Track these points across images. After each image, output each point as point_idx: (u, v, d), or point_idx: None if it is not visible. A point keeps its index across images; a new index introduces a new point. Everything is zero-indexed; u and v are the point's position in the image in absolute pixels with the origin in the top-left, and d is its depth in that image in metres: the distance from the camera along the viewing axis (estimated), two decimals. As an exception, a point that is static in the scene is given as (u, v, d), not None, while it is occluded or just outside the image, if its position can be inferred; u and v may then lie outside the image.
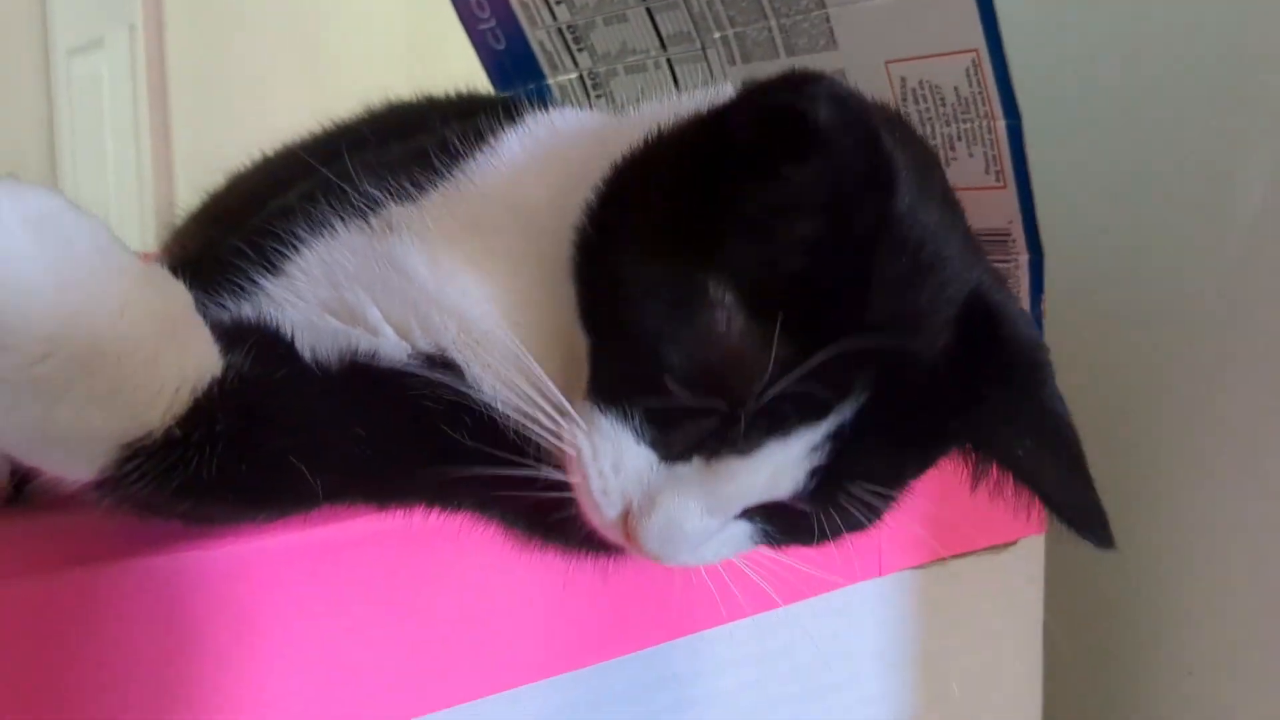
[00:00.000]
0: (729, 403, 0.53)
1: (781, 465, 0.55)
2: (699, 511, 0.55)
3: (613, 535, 0.57)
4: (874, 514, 0.58)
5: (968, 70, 0.81)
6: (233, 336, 0.52)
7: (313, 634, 0.55)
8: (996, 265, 0.82)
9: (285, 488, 0.53)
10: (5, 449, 0.46)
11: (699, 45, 1.00)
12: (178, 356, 0.47)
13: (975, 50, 0.80)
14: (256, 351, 0.52)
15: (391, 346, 0.59)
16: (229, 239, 0.65)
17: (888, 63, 0.86)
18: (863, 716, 0.80)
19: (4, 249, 0.42)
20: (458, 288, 0.60)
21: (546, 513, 0.59)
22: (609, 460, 0.56)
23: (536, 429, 0.57)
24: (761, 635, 0.73)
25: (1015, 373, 0.57)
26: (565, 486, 0.57)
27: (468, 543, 0.60)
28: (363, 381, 0.57)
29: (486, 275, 0.60)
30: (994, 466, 0.60)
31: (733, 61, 0.98)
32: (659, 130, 0.59)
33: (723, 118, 0.55)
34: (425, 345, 0.59)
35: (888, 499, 0.59)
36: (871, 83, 0.87)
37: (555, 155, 0.64)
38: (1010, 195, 0.83)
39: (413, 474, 0.57)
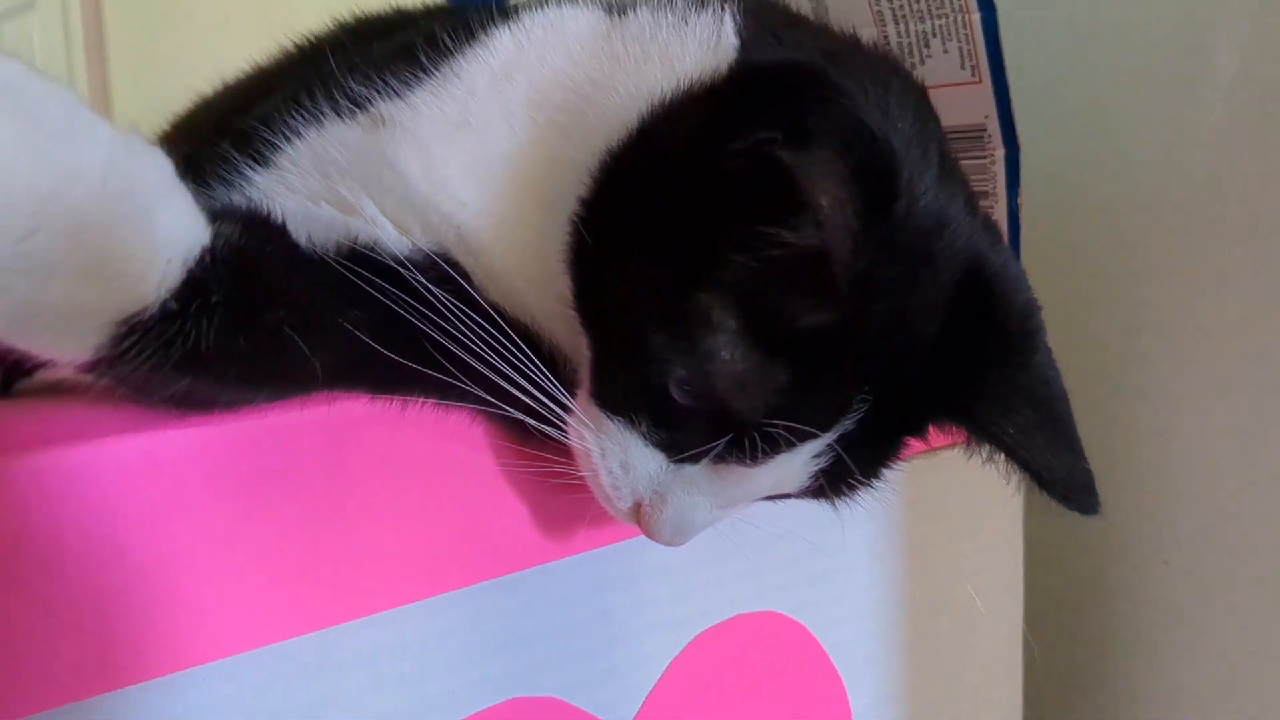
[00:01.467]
0: (735, 422, 0.54)
1: (787, 471, 0.56)
2: (708, 506, 0.58)
3: (624, 521, 0.59)
4: (871, 489, 0.61)
5: (942, -36, 0.81)
6: (220, 213, 0.51)
7: (224, 534, 0.52)
8: (971, 163, 0.83)
9: (284, 364, 0.52)
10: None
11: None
12: (165, 226, 0.46)
13: (949, -58, 0.80)
14: (246, 226, 0.51)
15: (392, 239, 0.58)
16: (212, 143, 0.64)
17: (860, -39, 0.86)
18: (854, 604, 0.81)
19: None
20: (452, 196, 0.59)
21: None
22: (618, 460, 0.57)
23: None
24: (756, 521, 0.73)
25: (1009, 348, 0.58)
26: (560, 405, 0.58)
27: (405, 440, 0.58)
28: (362, 267, 0.56)
29: (481, 185, 0.60)
30: (986, 443, 0.60)
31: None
32: (652, 115, 0.57)
33: (719, 128, 0.52)
34: (426, 244, 0.59)
35: (884, 476, 0.61)
36: (845, -17, 0.87)
37: (550, 56, 0.62)
38: (986, 90, 0.84)
39: (412, 365, 0.56)
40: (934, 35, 0.84)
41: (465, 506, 0.60)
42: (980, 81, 0.84)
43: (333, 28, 0.84)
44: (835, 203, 0.47)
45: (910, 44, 0.86)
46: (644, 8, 0.63)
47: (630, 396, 0.56)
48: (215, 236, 0.48)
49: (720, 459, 0.55)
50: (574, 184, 0.57)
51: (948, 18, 0.83)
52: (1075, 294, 0.94)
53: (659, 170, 0.55)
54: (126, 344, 0.46)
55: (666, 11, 0.62)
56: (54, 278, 0.42)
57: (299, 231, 0.56)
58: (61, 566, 0.47)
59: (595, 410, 0.57)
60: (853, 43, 0.66)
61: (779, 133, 0.48)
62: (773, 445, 0.54)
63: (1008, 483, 0.61)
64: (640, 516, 0.58)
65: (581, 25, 0.63)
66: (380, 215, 0.58)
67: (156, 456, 0.50)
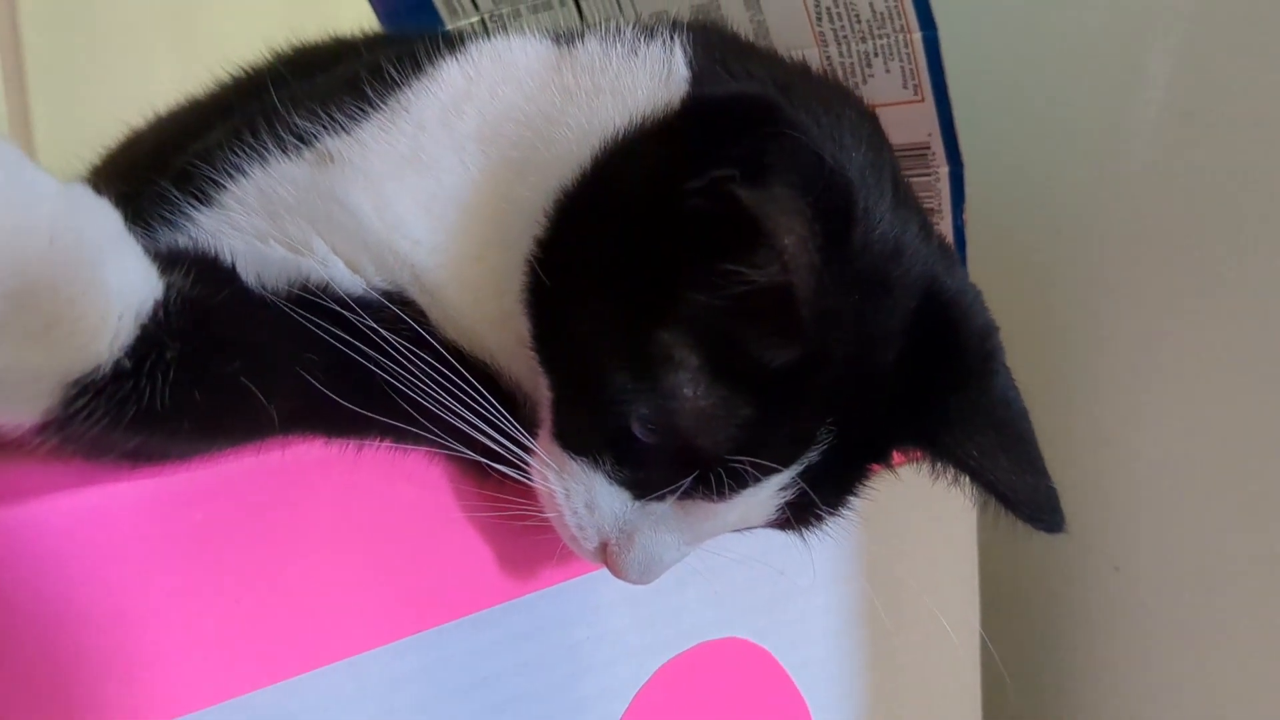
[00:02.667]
0: (700, 458, 0.53)
1: (753, 505, 0.56)
2: (675, 543, 0.57)
3: (590, 561, 0.59)
4: (838, 518, 0.61)
5: (882, -16, 0.82)
6: (168, 260, 0.49)
7: (178, 587, 0.50)
8: (917, 180, 0.84)
9: (240, 413, 0.50)
10: None
11: (606, -22, 0.99)
12: (117, 281, 0.45)
13: (889, -37, 0.80)
14: (196, 273, 0.50)
15: (344, 279, 0.57)
16: (150, 181, 0.62)
17: (801, -17, 0.86)
18: (815, 626, 0.81)
19: None
20: (406, 234, 0.58)
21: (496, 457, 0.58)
22: (582, 500, 0.56)
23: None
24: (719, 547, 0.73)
25: (969, 371, 0.58)
26: (521, 446, 0.57)
27: (348, 485, 0.57)
28: (313, 309, 0.54)
29: (435, 222, 0.59)
30: (950, 466, 0.60)
31: (642, -7, 0.97)
32: (605, 152, 0.56)
33: (674, 165, 0.52)
34: (380, 283, 0.58)
35: (850, 505, 0.61)
36: (784, 3, 0.87)
37: (500, 89, 0.61)
38: (929, 108, 0.84)
39: (369, 406, 0.55)
40: (875, 55, 0.85)
41: (424, 548, 0.59)
42: (923, 100, 0.84)
43: (270, 58, 0.83)
44: (798, 241, 0.46)
45: (852, 64, 0.86)
46: (592, 38, 0.62)
47: (593, 436, 0.55)
48: (167, 288, 0.47)
49: (686, 495, 0.55)
50: (529, 223, 0.56)
51: (889, 38, 0.84)
52: (1021, 306, 0.94)
53: (614, 209, 0.54)
54: (78, 405, 0.44)
55: (616, 42, 0.61)
56: (0, 341, 0.40)
57: (248, 272, 0.54)
58: (13, 628, 0.46)
59: (558, 450, 0.56)
60: (802, 71, 0.66)
61: (735, 170, 0.47)
62: (738, 481, 0.53)
63: (974, 506, 0.61)
64: (607, 556, 0.57)
65: (530, 56, 0.62)
66: (331, 254, 0.57)
67: (105, 511, 0.48)
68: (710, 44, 0.62)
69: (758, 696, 0.77)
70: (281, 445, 0.54)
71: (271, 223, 0.58)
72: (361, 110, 0.60)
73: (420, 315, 0.57)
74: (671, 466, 0.54)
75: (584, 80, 0.60)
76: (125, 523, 0.48)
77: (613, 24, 0.63)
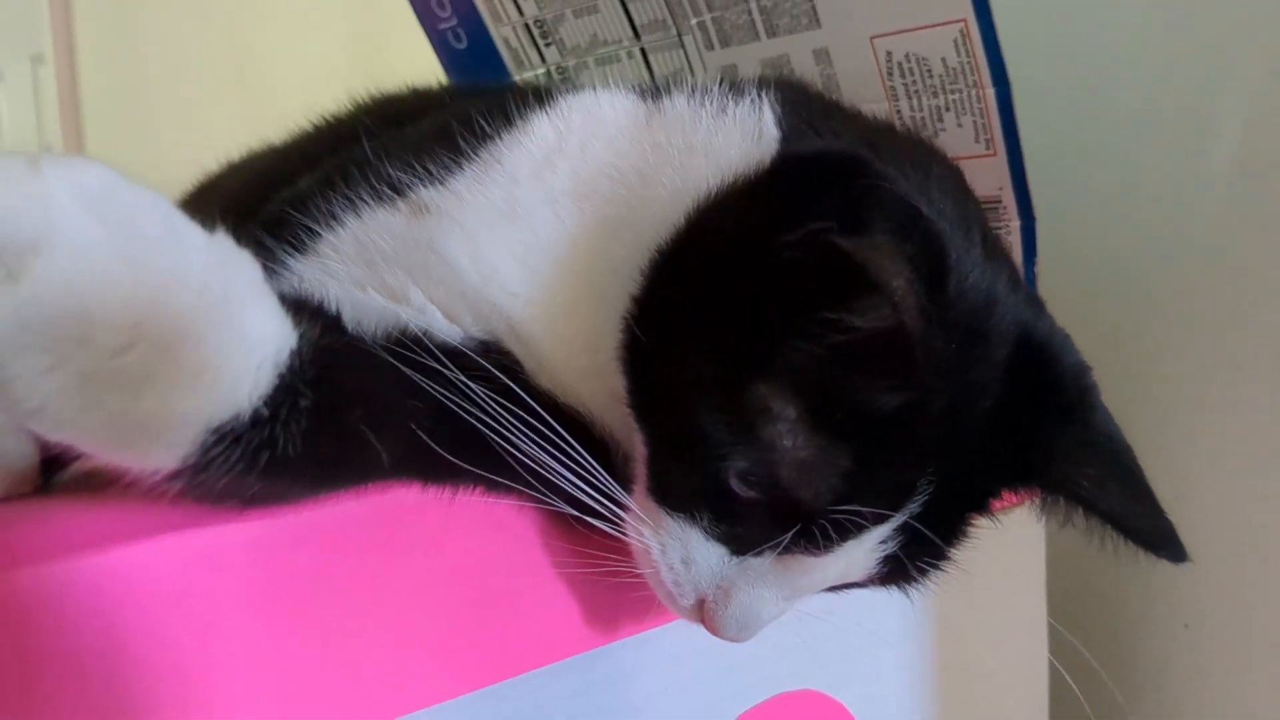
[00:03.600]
0: (800, 511, 0.53)
1: (854, 558, 0.56)
2: (774, 600, 0.57)
3: (686, 618, 0.58)
4: (940, 571, 0.60)
5: (956, 40, 0.83)
6: (294, 308, 0.50)
7: (274, 631, 0.51)
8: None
9: (358, 460, 0.51)
10: (82, 445, 0.44)
11: (675, 33, 1.00)
12: (257, 331, 0.45)
13: (963, 19, 0.81)
14: (322, 321, 0.51)
15: (442, 328, 0.58)
16: (237, 227, 0.63)
17: (873, 38, 0.87)
18: (888, 680, 0.80)
19: (71, 238, 0.39)
20: (502, 286, 0.59)
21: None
22: (679, 556, 0.57)
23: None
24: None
25: (1068, 407, 0.58)
26: (615, 501, 0.57)
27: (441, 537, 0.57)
28: (414, 357, 0.55)
29: (530, 275, 0.59)
30: (1060, 502, 0.60)
31: (710, 46, 0.98)
32: (699, 211, 0.57)
33: (768, 220, 0.53)
34: (477, 332, 0.59)
35: (950, 558, 0.60)
36: (856, 58, 0.88)
37: (592, 144, 0.62)
38: (1001, 162, 0.85)
39: (465, 455, 0.55)
40: (947, 110, 0.86)
41: (508, 597, 0.59)
42: (995, 154, 0.85)
43: (352, 108, 0.84)
44: (906, 284, 0.47)
45: (923, 118, 0.87)
46: (679, 95, 0.63)
47: (690, 492, 0.55)
48: (300, 338, 0.47)
49: (786, 550, 0.55)
50: (624, 282, 0.57)
51: (961, 93, 0.84)
52: (1090, 360, 0.95)
53: (710, 265, 0.55)
54: (215, 452, 0.45)
55: (704, 100, 0.62)
56: (147, 391, 0.41)
57: (349, 321, 0.55)
58: (122, 668, 0.46)
59: (653, 506, 0.57)
60: (887, 129, 0.66)
61: (832, 221, 0.48)
62: (840, 532, 0.53)
63: (1091, 543, 0.60)
64: (704, 613, 0.57)
65: (619, 111, 0.63)
66: (428, 304, 0.58)
67: (212, 552, 0.49)
68: (797, 102, 0.63)
69: (832, 750, 0.77)
70: (381, 490, 0.54)
71: (369, 271, 0.59)
72: (455, 161, 0.61)
73: (515, 365, 0.58)
74: (771, 521, 0.54)
75: (675, 138, 0.60)
76: (234, 564, 0.49)
77: (699, 81, 0.64)
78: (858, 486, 0.53)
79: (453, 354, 0.56)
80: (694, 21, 0.98)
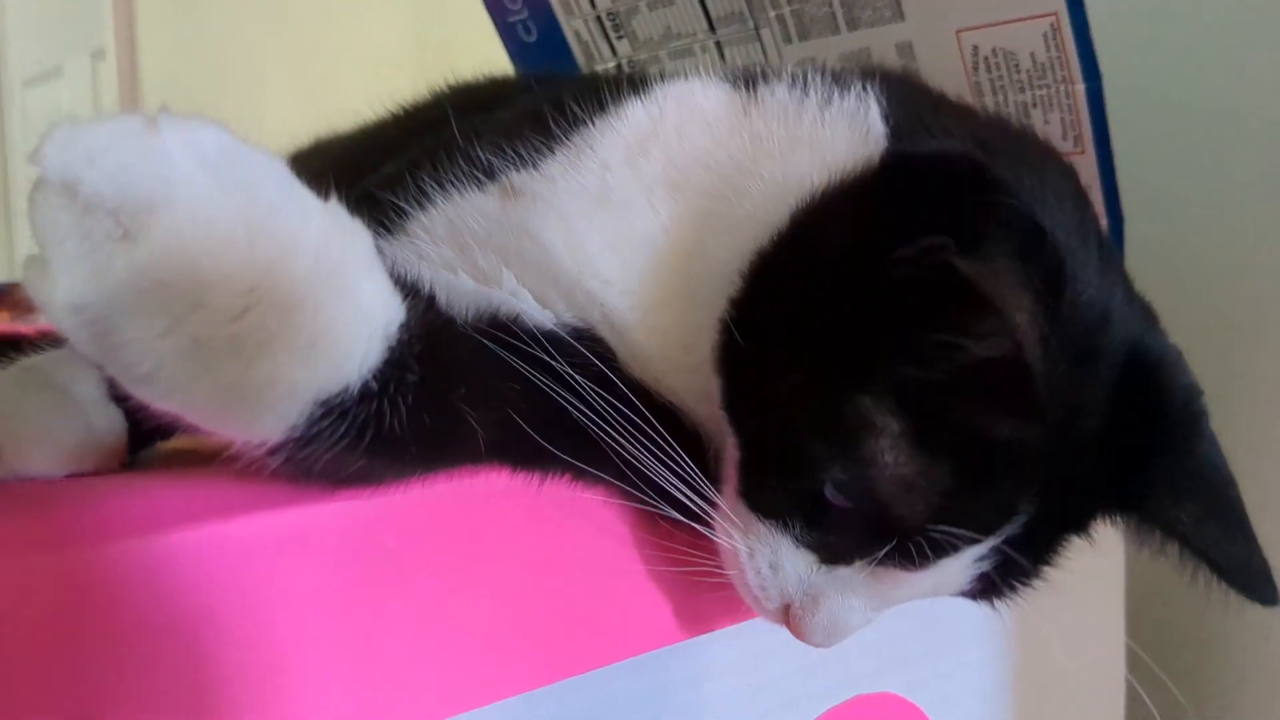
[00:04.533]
0: (896, 526, 0.52)
1: (947, 574, 0.55)
2: (862, 609, 0.56)
3: (770, 620, 0.58)
4: (1032, 589, 0.59)
5: (1046, 34, 0.81)
6: (396, 284, 0.49)
7: (362, 612, 0.50)
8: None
9: (457, 440, 0.50)
10: (189, 414, 0.43)
11: (751, 25, 0.99)
12: (369, 302, 0.45)
13: (1055, 13, 0.80)
14: (426, 298, 0.50)
15: (534, 312, 0.57)
16: None
17: (958, 31, 0.85)
18: (965, 684, 0.79)
19: (191, 199, 0.38)
20: (597, 274, 0.58)
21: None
22: (767, 561, 0.56)
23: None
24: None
25: (1174, 435, 0.55)
26: (705, 499, 0.56)
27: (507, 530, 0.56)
28: (510, 341, 0.54)
29: (625, 264, 0.58)
30: (1156, 533, 0.58)
31: (788, 39, 0.97)
32: (804, 212, 0.55)
33: (880, 230, 0.52)
34: (570, 319, 0.58)
35: (1043, 575, 0.59)
36: (940, 52, 0.87)
37: (687, 132, 0.61)
38: (1089, 160, 0.83)
39: (557, 442, 0.54)
40: (1034, 106, 0.84)
41: (592, 587, 0.59)
42: (1083, 152, 0.83)
43: (431, 95, 0.84)
44: (1029, 316, 0.45)
45: (1009, 114, 0.85)
46: (779, 85, 0.62)
47: (783, 499, 0.54)
48: (408, 312, 0.47)
49: (877, 562, 0.53)
50: (721, 283, 0.56)
51: (1050, 88, 0.83)
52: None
53: (815, 272, 0.54)
54: (322, 425, 0.44)
55: (808, 91, 0.60)
56: (261, 358, 0.41)
57: (442, 302, 0.55)
58: (214, 646, 0.46)
59: (744, 510, 0.56)
60: (1000, 125, 0.65)
61: (948, 238, 0.47)
62: (936, 550, 0.52)
63: (1184, 578, 0.58)
64: (789, 617, 0.56)
65: (714, 100, 0.62)
66: (521, 288, 0.57)
67: (305, 531, 0.48)
68: (905, 97, 0.61)
69: (910, 755, 0.75)
70: (470, 474, 0.54)
71: (460, 254, 0.58)
72: (546, 145, 0.60)
73: (608, 353, 0.57)
74: (865, 533, 0.53)
75: (777, 129, 0.59)
76: (327, 543, 0.48)
77: (799, 70, 0.63)
78: (957, 507, 0.51)
79: (545, 339, 0.55)
80: (772, 14, 0.97)
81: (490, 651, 0.54)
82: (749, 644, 0.66)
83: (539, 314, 0.57)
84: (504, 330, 0.55)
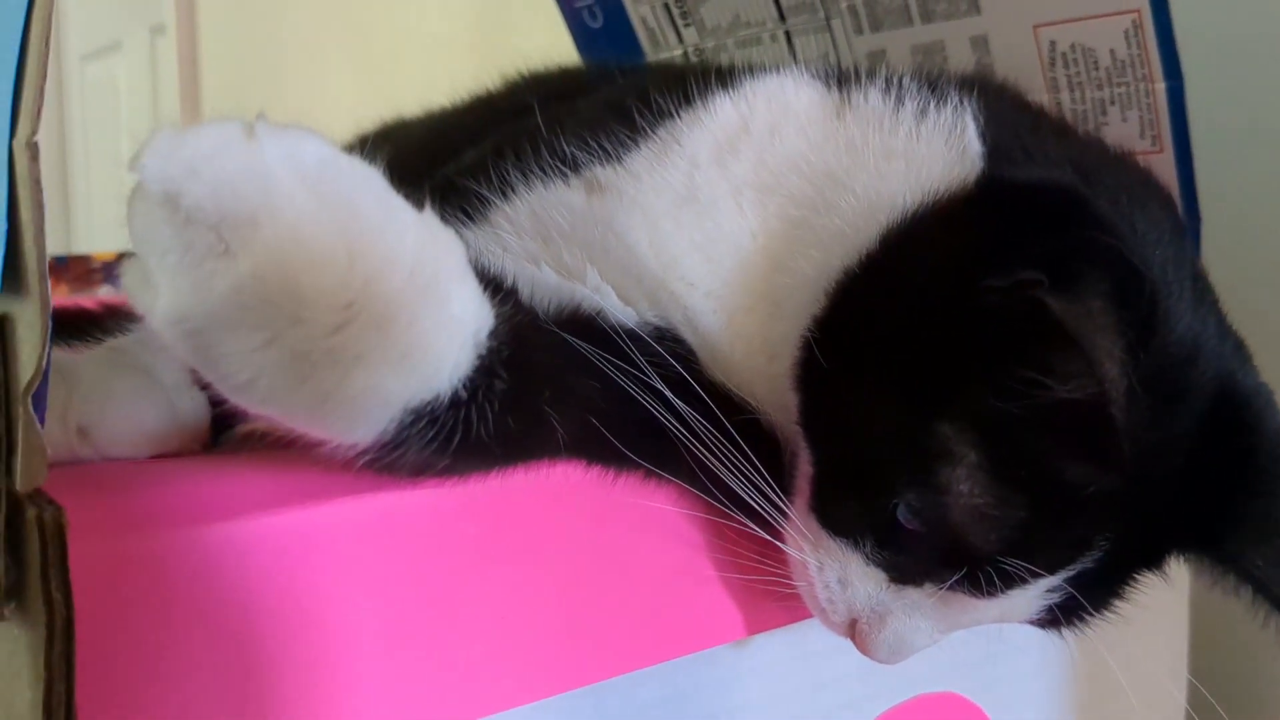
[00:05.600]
0: (968, 555, 0.52)
1: (1016, 605, 0.54)
2: (928, 631, 0.56)
3: (835, 632, 0.57)
4: (1099, 619, 0.58)
5: (1127, 31, 0.80)
6: (484, 284, 0.49)
7: (442, 600, 0.50)
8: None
9: (538, 439, 0.51)
10: (284, 420, 0.44)
11: (822, 15, 0.98)
12: (461, 311, 0.45)
13: (1137, 10, 0.78)
14: (514, 300, 0.50)
15: (617, 309, 0.57)
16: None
17: (1036, 26, 0.84)
18: (1026, 688, 0.78)
19: (292, 215, 0.38)
20: (681, 276, 0.58)
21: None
22: (835, 576, 0.55)
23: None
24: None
25: (1260, 478, 0.54)
26: (778, 508, 0.56)
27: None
28: (589, 336, 0.54)
29: (711, 267, 0.58)
30: (1231, 575, 0.57)
31: (860, 30, 0.96)
32: (895, 232, 0.54)
33: (973, 258, 0.51)
34: (652, 318, 0.58)
35: (1114, 608, 0.58)
36: (1016, 47, 0.86)
37: (782, 132, 0.60)
38: (1168, 160, 0.82)
39: (634, 441, 0.54)
40: (1112, 103, 0.83)
41: (659, 582, 0.59)
42: (1162, 151, 0.82)
43: (505, 84, 0.84)
44: (1118, 364, 0.44)
45: (1085, 111, 0.84)
46: (872, 89, 0.60)
47: (855, 518, 0.54)
48: (496, 317, 0.47)
49: (946, 585, 0.53)
50: (806, 299, 0.55)
51: (1129, 86, 0.81)
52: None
53: (902, 294, 0.53)
54: (412, 430, 0.44)
55: (903, 99, 0.59)
56: (356, 369, 0.41)
57: (524, 295, 0.55)
58: (294, 629, 0.46)
59: (815, 525, 0.55)
60: (1098, 148, 0.63)
61: (1042, 273, 0.46)
62: (1006, 580, 0.52)
63: (1255, 619, 0.57)
64: (855, 632, 0.56)
65: (805, 101, 0.61)
66: (604, 284, 0.57)
67: (387, 518, 0.49)
68: (1003, 113, 0.60)
69: (971, 756, 0.75)
70: (548, 467, 0.54)
71: (545, 247, 0.58)
72: (631, 139, 0.59)
73: (689, 355, 0.57)
74: (936, 559, 0.52)
75: (872, 139, 0.58)
76: (408, 530, 0.49)
77: (894, 74, 0.61)
78: (1030, 540, 0.51)
79: (627, 337, 0.55)
80: (844, 4, 0.96)
81: (557, 644, 0.55)
82: (809, 643, 0.65)
83: (621, 311, 0.57)
84: (585, 326, 0.55)
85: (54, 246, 1.65)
